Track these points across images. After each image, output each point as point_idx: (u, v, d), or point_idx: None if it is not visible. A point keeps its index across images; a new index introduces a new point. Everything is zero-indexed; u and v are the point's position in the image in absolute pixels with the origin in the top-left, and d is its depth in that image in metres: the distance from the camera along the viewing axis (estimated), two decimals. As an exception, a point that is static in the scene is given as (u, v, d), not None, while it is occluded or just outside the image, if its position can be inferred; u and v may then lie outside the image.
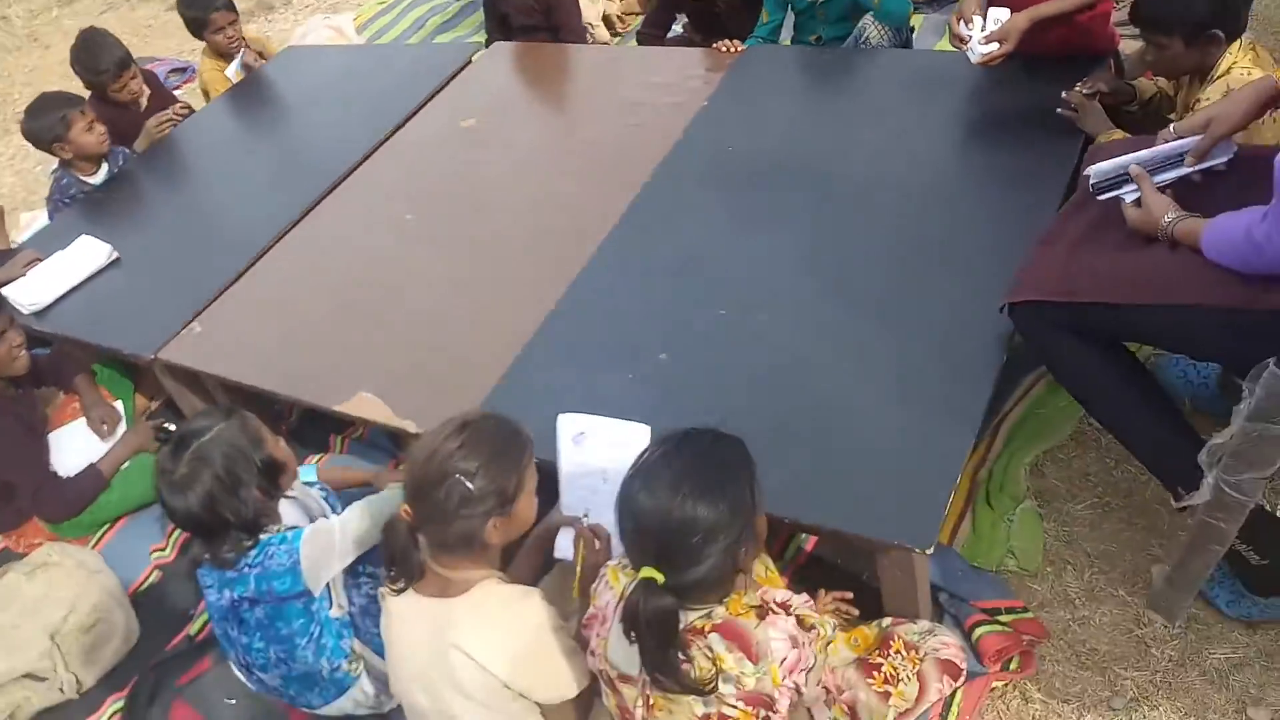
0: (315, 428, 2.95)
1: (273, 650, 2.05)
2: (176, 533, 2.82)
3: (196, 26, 4.07)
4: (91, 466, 2.80)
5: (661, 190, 2.74)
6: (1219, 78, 2.28)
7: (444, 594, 1.74)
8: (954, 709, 1.96)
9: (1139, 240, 1.83)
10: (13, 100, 6.38)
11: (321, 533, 2.04)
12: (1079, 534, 2.22)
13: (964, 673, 1.93)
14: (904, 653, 1.90)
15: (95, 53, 3.77)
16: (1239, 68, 2.26)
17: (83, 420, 2.97)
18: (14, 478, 2.70)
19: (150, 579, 2.74)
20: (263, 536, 1.99)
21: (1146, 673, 1.99)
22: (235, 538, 1.95)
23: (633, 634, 1.52)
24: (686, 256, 2.49)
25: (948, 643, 1.94)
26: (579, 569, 1.92)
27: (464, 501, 1.66)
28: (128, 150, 3.78)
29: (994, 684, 2.01)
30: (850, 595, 2.03)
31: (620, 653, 1.64)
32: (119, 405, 3.05)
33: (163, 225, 3.36)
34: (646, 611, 1.47)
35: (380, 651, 2.10)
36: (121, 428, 2.98)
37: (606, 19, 4.67)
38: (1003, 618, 2.07)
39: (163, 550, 2.79)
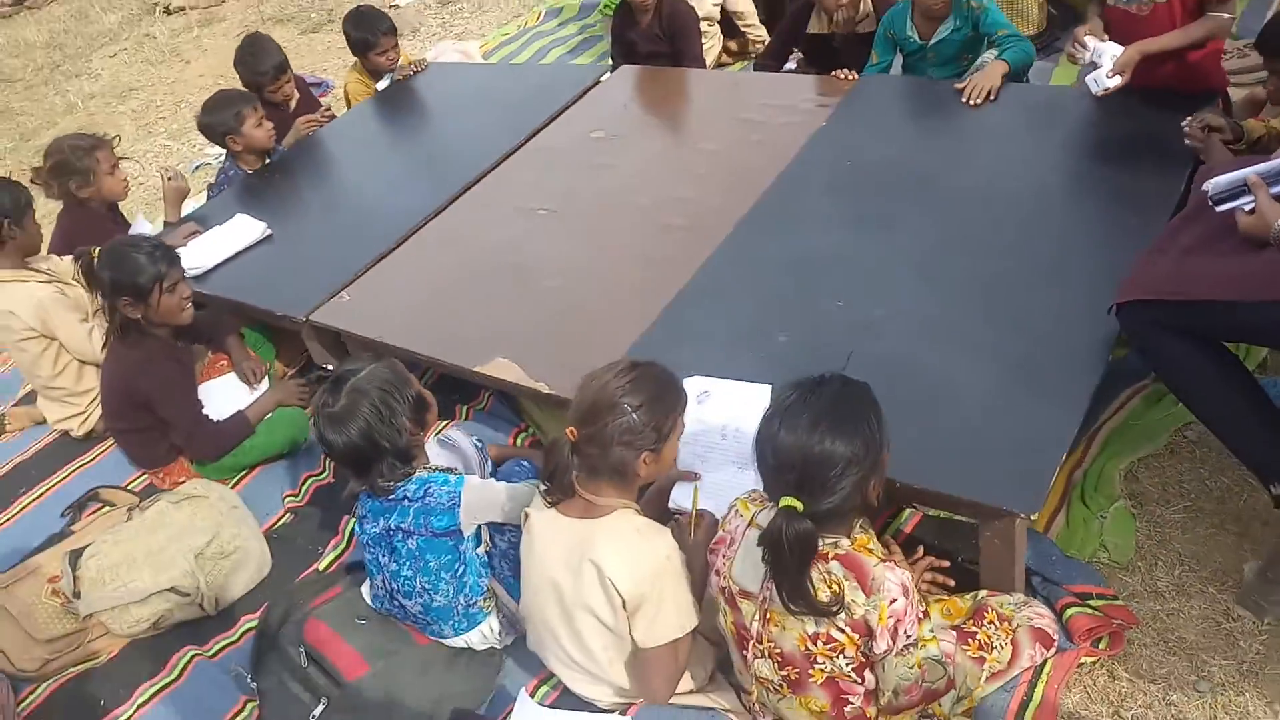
0: (442, 398, 3.14)
1: (419, 580, 2.23)
2: (309, 481, 3.06)
3: (363, 47, 4.39)
4: (239, 413, 3.06)
5: (782, 196, 2.94)
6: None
7: (586, 515, 1.92)
8: (1043, 677, 2.05)
9: (1250, 246, 1.95)
10: (155, 107, 6.89)
11: (487, 488, 2.24)
12: (1171, 535, 2.30)
13: (1056, 643, 2.04)
14: (998, 623, 2.01)
15: (259, 55, 4.12)
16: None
17: (230, 375, 3.25)
18: (172, 416, 2.95)
19: (283, 520, 2.97)
20: (421, 473, 2.19)
21: (1234, 662, 2.05)
22: (390, 465, 2.15)
23: (769, 555, 1.67)
24: (807, 254, 2.67)
25: (1041, 613, 2.06)
26: (694, 515, 2.08)
27: (626, 430, 1.85)
28: (280, 146, 4.11)
29: (1083, 659, 2.08)
30: (946, 564, 2.14)
31: (744, 571, 1.81)
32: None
33: (312, 209, 3.67)
34: (790, 534, 1.62)
35: (512, 591, 2.30)
36: (265, 383, 3.24)
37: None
38: (1093, 602, 2.15)
39: (295, 496, 3.03)
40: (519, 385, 2.57)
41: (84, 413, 3.43)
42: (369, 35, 4.35)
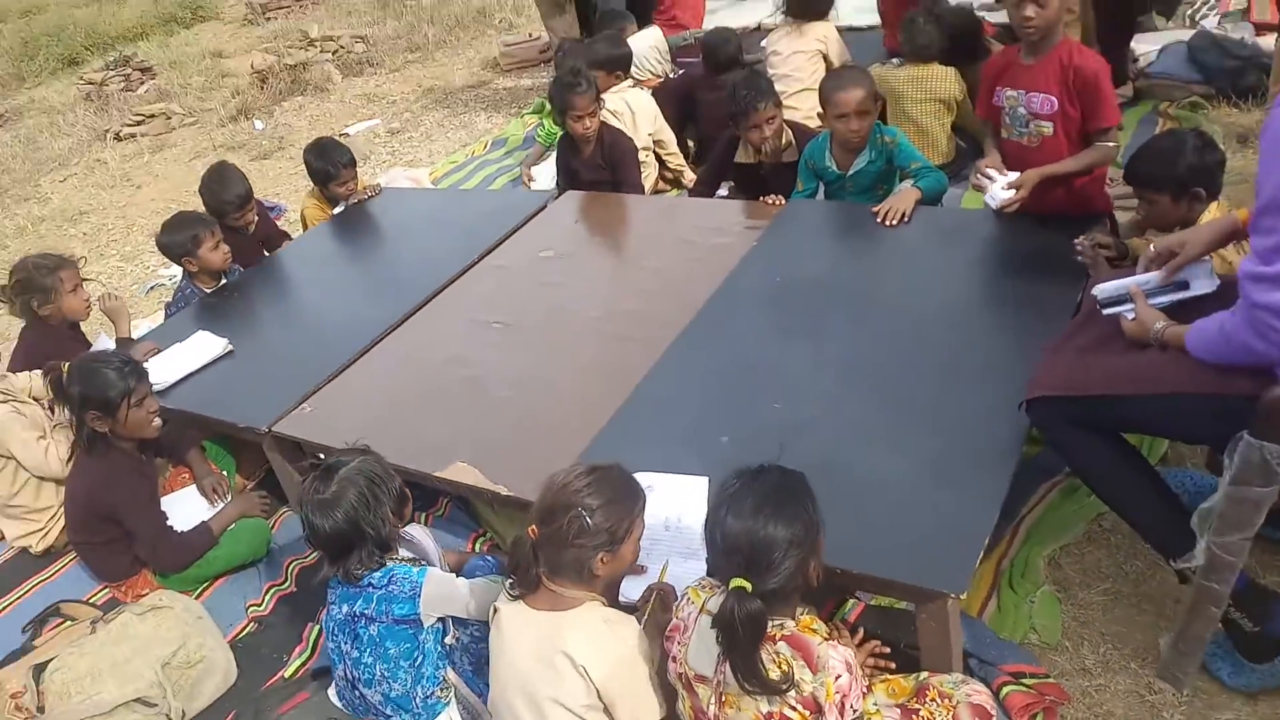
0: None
1: (379, 667, 2.33)
2: (272, 591, 3.12)
3: (324, 177, 4.64)
4: (203, 524, 3.15)
5: (720, 309, 3.18)
6: (1201, 230, 2.76)
7: (554, 608, 2.05)
8: (984, 754, 2.20)
9: (1135, 346, 2.22)
10: (107, 230, 7.03)
11: (446, 582, 2.37)
12: (1093, 617, 2.48)
13: (994, 717, 2.19)
14: (939, 700, 2.13)
15: (225, 184, 4.33)
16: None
17: (192, 488, 3.35)
18: (137, 528, 3.02)
19: (247, 629, 3.02)
20: (389, 562, 2.32)
21: (1158, 733, 2.22)
22: (369, 553, 2.28)
23: (722, 636, 1.81)
24: (744, 361, 2.90)
25: (979, 690, 2.19)
26: (649, 610, 2.21)
27: (580, 532, 1.99)
28: (239, 267, 4.27)
29: (1020, 735, 2.25)
30: (888, 649, 2.31)
31: (699, 656, 1.95)
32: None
33: (272, 326, 3.83)
34: (741, 613, 1.77)
35: (471, 684, 2.40)
36: (228, 496, 3.33)
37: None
38: (1027, 680, 2.31)
39: (258, 605, 3.09)
40: (478, 488, 2.71)
41: (43, 529, 3.46)
42: (330, 167, 4.59)
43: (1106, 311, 2.32)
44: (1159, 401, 2.10)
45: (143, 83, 10.48)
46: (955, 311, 2.93)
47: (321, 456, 2.34)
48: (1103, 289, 2.34)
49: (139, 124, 9.04)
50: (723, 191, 4.52)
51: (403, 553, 2.43)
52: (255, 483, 3.58)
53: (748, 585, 1.80)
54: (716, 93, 4.82)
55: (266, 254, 4.55)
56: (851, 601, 2.59)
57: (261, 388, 3.37)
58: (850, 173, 3.75)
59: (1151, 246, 2.28)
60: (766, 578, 1.81)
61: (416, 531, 2.57)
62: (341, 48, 9.57)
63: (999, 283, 3.06)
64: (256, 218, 4.53)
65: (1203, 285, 2.21)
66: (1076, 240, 2.91)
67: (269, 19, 12.76)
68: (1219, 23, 5.60)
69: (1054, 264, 2.96)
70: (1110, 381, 2.18)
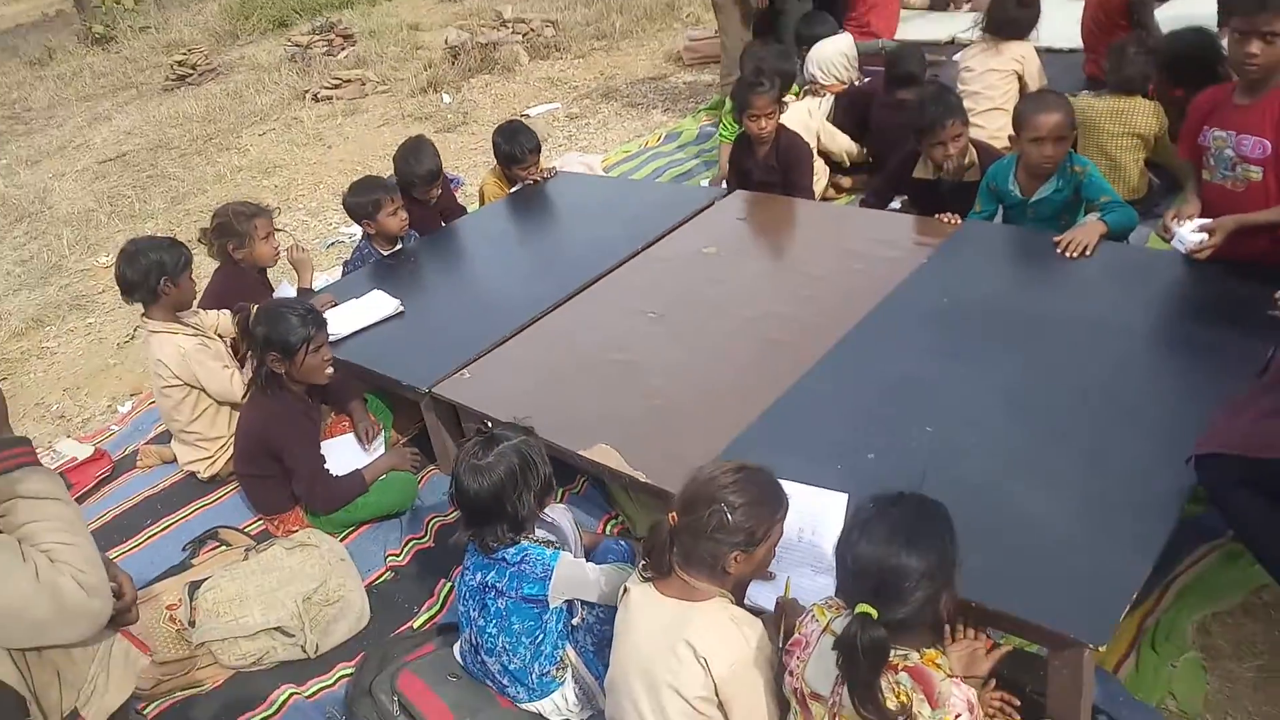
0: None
1: (501, 639, 2.40)
2: (411, 544, 3.27)
3: (509, 160, 4.81)
4: (355, 471, 3.32)
5: (880, 323, 3.13)
6: None
7: (684, 597, 2.07)
8: (1103, 811, 2.12)
9: (1328, 415, 2.08)
10: (296, 184, 7.46)
11: (578, 567, 2.43)
12: (1242, 692, 2.33)
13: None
14: (1061, 753, 2.10)
15: (420, 158, 4.54)
16: None
17: (349, 436, 3.53)
18: (297, 467, 3.22)
19: (384, 577, 3.18)
20: (523, 540, 2.40)
21: (1296, 823, 2.10)
22: (504, 530, 2.36)
23: (842, 659, 1.80)
24: (900, 379, 2.85)
25: (1102, 748, 2.13)
26: (782, 624, 2.21)
27: (720, 527, 2.00)
28: (417, 234, 4.48)
29: (1144, 801, 2.15)
30: (1016, 701, 2.23)
31: (817, 674, 1.93)
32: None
33: (442, 292, 4.00)
34: (864, 640, 1.75)
35: (590, 664, 2.45)
36: (380, 445, 3.51)
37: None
38: (1157, 748, 2.23)
39: (397, 555, 3.24)
40: (618, 471, 2.76)
41: (212, 457, 3.72)
42: (517, 151, 4.76)
43: None
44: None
45: (343, 48, 11.05)
46: (1129, 353, 2.80)
47: (489, 424, 2.43)
48: (1299, 346, 2.19)
49: (335, 87, 9.53)
50: (895, 205, 4.44)
51: (539, 533, 2.51)
52: (408, 439, 3.74)
53: (873, 612, 1.77)
54: (890, 110, 4.75)
55: (444, 224, 4.74)
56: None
57: (426, 350, 3.52)
58: (1033, 199, 3.62)
59: None
60: (894, 607, 1.78)
61: (558, 514, 2.64)
62: (532, 30, 9.83)
63: (1181, 328, 2.91)
64: (441, 192, 4.72)
65: None
66: (1277, 294, 2.74)
67: (465, -4, 13.23)
68: None
69: (1243, 315, 2.79)
70: (1296, 447, 2.05)
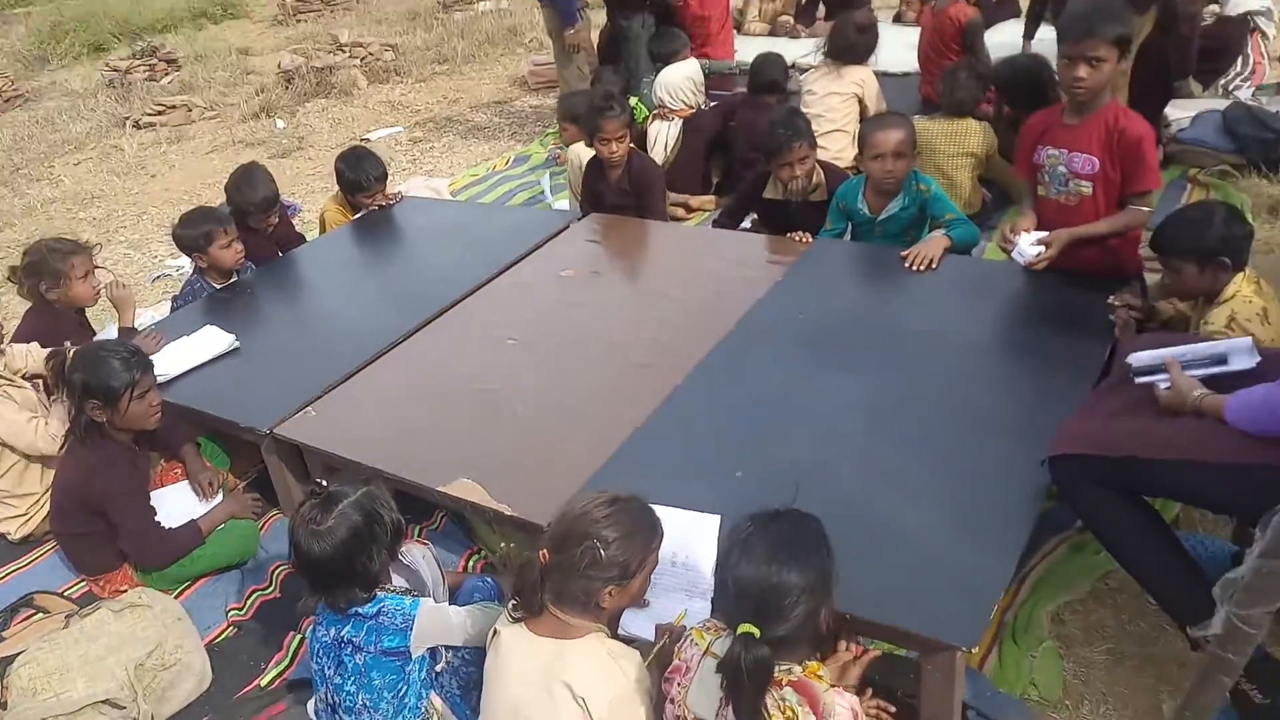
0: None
1: (362, 696, 2.23)
2: (255, 595, 3.04)
3: (353, 188, 4.62)
4: (191, 522, 3.06)
5: (741, 342, 3.12)
6: (1225, 301, 2.72)
7: (558, 635, 1.98)
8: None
9: (1168, 414, 2.17)
10: (117, 216, 6.97)
11: (441, 613, 2.29)
12: (1095, 675, 2.42)
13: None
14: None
15: (253, 186, 4.29)
16: (1241, 295, 2.70)
17: (183, 484, 3.27)
18: (124, 521, 2.94)
19: (225, 634, 2.93)
20: (379, 592, 2.23)
21: (1156, 799, 2.16)
22: (355, 591, 2.20)
23: (727, 681, 1.76)
24: (764, 397, 2.83)
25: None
26: (658, 649, 2.14)
27: (593, 564, 1.93)
28: (254, 265, 4.22)
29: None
30: (892, 708, 2.23)
31: (700, 699, 1.87)
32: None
33: (281, 327, 3.77)
34: (748, 660, 1.72)
35: (457, 709, 2.31)
36: (220, 495, 3.25)
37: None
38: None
39: (239, 610, 3.00)
40: (482, 506, 2.64)
41: (24, 515, 3.38)
42: (362, 178, 4.57)
43: (1140, 380, 2.27)
44: (1192, 468, 2.05)
45: (167, 74, 10.50)
46: (980, 362, 2.88)
47: (323, 484, 2.26)
48: (1138, 358, 2.29)
49: (159, 114, 9.02)
50: (746, 225, 4.48)
51: (397, 580, 2.35)
52: (247, 483, 3.50)
53: (756, 632, 1.75)
54: (757, 112, 4.80)
55: (280, 254, 4.49)
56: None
57: (266, 388, 3.30)
58: (881, 217, 3.71)
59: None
60: (776, 625, 1.76)
61: (415, 556, 2.48)
62: (370, 54, 9.58)
63: (1025, 335, 3.00)
64: (278, 220, 4.47)
65: (1241, 361, 2.16)
66: (1111, 299, 2.87)
67: (299, 20, 12.82)
68: (1253, 94, 5.60)
69: (1082, 321, 2.92)
70: (1142, 444, 2.13)
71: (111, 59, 11.12)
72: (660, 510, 2.29)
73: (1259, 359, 2.16)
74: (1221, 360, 2.18)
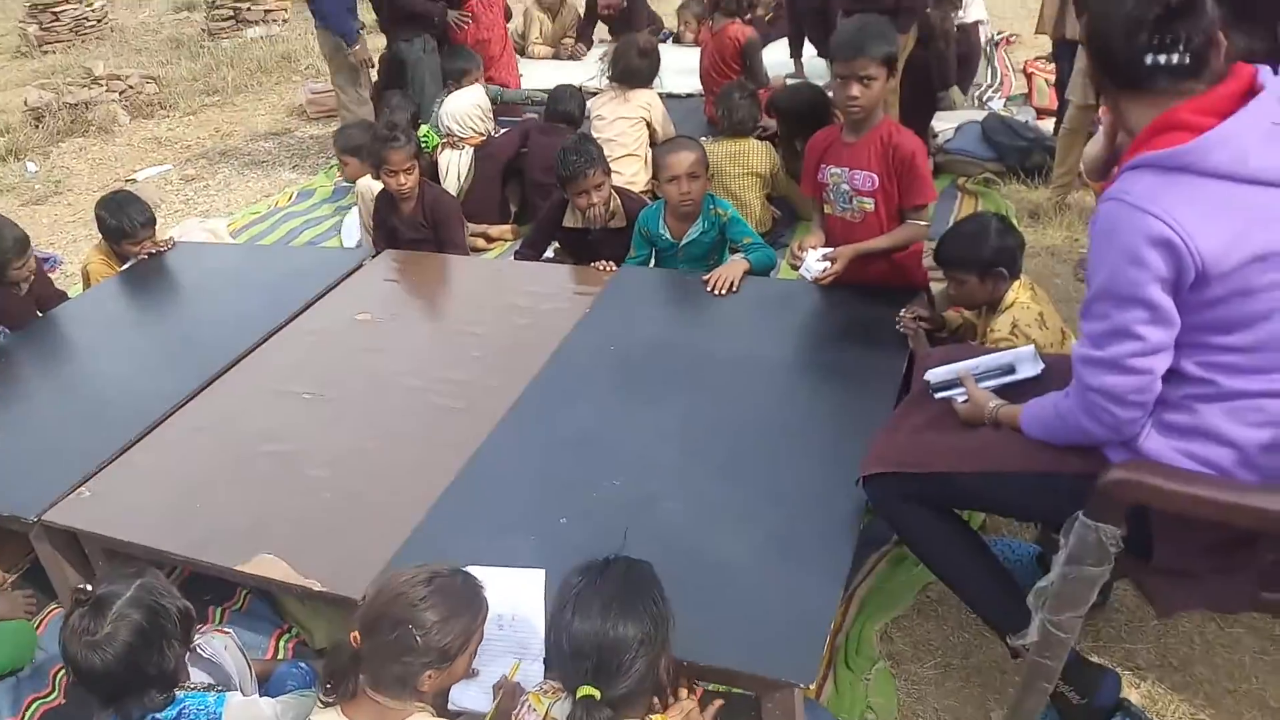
0: (195, 600, 2.92)
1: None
2: (35, 705, 2.70)
3: (117, 235, 4.22)
4: (-51, 633, 2.69)
5: (553, 378, 3.05)
6: (1005, 309, 2.90)
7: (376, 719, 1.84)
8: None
9: (969, 426, 2.26)
10: None
11: (252, 707, 2.07)
12: (926, 692, 2.48)
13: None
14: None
15: None
16: (1020, 302, 2.89)
17: (-63, 587, 2.87)
18: None
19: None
20: (178, 693, 2.02)
21: (991, 809, 2.24)
22: (150, 695, 1.97)
23: None
24: (581, 434, 2.78)
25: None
26: (494, 709, 2.05)
27: (408, 650, 1.80)
28: (7, 330, 3.79)
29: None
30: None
31: (545, 769, 1.80)
32: (-21, 573, 2.97)
33: (44, 396, 3.39)
34: None
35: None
36: (-17, 596, 2.89)
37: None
38: (866, 761, 2.30)
39: (45, 698, 2.68)
40: (287, 583, 2.45)
41: None
42: (126, 225, 4.18)
43: (938, 395, 2.36)
44: (995, 479, 2.13)
45: (-112, 114, 9.39)
46: (786, 383, 2.93)
47: (88, 587, 2.01)
48: (934, 374, 2.38)
49: (-122, 161, 8.04)
50: (549, 254, 4.42)
51: (197, 675, 2.14)
52: (17, 576, 3.12)
53: (596, 693, 1.70)
54: (550, 137, 4.77)
55: (40, 314, 4.06)
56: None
57: (30, 469, 2.95)
58: (684, 241, 3.74)
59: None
60: (617, 683, 1.71)
61: (216, 646, 2.26)
62: (130, 88, 8.90)
63: (826, 353, 3.08)
64: (33, 274, 4.02)
65: (1028, 369, 2.28)
66: (899, 315, 3.00)
67: (46, 52, 11.77)
68: (1004, 104, 6.06)
69: (878, 335, 3.02)
70: (946, 459, 2.20)
71: None
72: (481, 572, 2.19)
73: (1043, 365, 2.29)
74: (1010, 370, 2.29)
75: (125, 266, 4.28)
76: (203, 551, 2.57)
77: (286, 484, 2.77)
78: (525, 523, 2.49)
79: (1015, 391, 2.25)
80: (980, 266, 2.89)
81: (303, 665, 2.41)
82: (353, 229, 5.22)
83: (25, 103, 8.59)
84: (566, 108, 5.05)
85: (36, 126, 8.29)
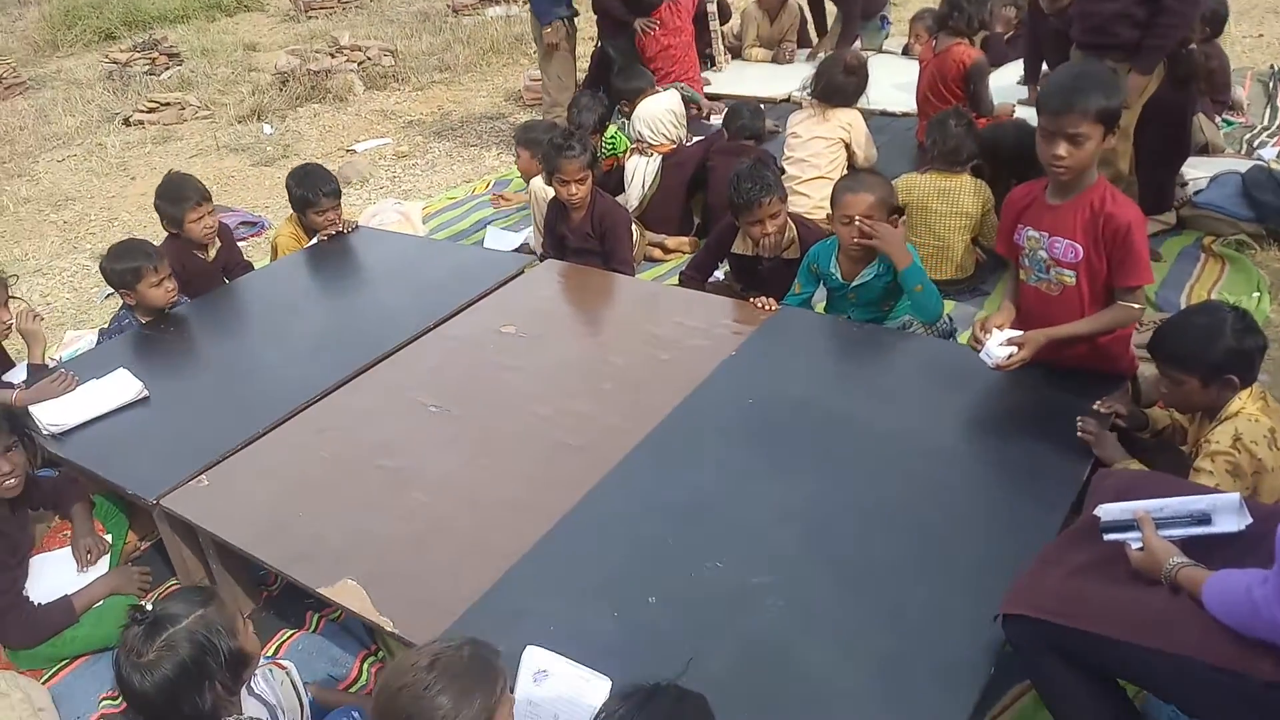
0: (295, 601, 2.92)
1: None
2: (130, 684, 2.75)
3: (303, 204, 4.34)
4: (64, 598, 2.78)
5: (678, 429, 2.80)
6: (1227, 419, 2.39)
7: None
8: None
9: (1141, 580, 1.84)
10: (88, 220, 6.73)
11: None
12: None
13: None
14: None
15: (180, 183, 4.04)
16: (1246, 413, 2.38)
17: (68, 549, 2.98)
18: (-17, 594, 2.67)
19: (93, 727, 2.65)
20: None
21: None
22: None
23: None
24: (693, 499, 2.52)
25: None
26: None
27: None
28: (187, 298, 3.94)
29: None
30: None
31: None
32: (108, 539, 3.06)
33: (199, 374, 3.48)
34: None
35: None
36: (104, 564, 2.97)
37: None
38: None
39: (113, 700, 2.71)
40: (363, 617, 2.34)
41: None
42: (310, 194, 4.29)
43: (1108, 538, 1.94)
44: (1161, 658, 1.72)
45: (167, 67, 10.27)
46: (938, 477, 2.52)
47: (147, 606, 1.97)
48: (1107, 510, 1.96)
49: (151, 110, 8.78)
50: (718, 274, 4.17)
51: (251, 708, 2.06)
52: (149, 546, 3.22)
53: None
54: (734, 156, 4.52)
55: (226, 282, 4.22)
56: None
57: (165, 446, 3.02)
58: (854, 283, 3.38)
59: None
60: None
61: (274, 680, 2.19)
62: (369, 59, 9.31)
63: (998, 444, 2.65)
64: (212, 231, 4.17)
65: (1227, 522, 1.82)
66: (1080, 418, 2.54)
67: (310, 17, 12.58)
68: (1278, 155, 5.22)
69: (1063, 429, 2.57)
70: (1105, 620, 1.81)
71: (114, 50, 10.90)
72: (549, 659, 2.02)
73: (1249, 521, 1.82)
74: (1205, 520, 1.84)
75: (310, 244, 4.38)
76: (293, 566, 2.51)
77: (388, 504, 2.68)
78: (611, 593, 2.27)
79: (1206, 546, 1.81)
80: (1207, 369, 2.39)
81: (355, 714, 2.30)
82: (500, 237, 5.16)
83: (275, 67, 9.16)
84: (751, 124, 4.75)
85: (281, 90, 8.81)
